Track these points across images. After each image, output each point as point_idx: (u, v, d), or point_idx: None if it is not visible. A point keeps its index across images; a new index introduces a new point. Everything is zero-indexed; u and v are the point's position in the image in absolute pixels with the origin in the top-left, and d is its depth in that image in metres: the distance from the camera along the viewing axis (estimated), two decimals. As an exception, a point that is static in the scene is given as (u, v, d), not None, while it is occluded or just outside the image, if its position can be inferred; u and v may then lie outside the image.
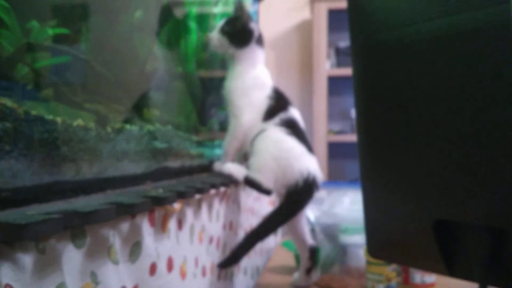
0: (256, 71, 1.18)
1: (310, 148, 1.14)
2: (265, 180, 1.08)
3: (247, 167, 1.11)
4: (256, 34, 1.19)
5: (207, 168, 1.21)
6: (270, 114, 1.13)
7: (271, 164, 1.08)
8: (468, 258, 0.60)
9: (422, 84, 0.59)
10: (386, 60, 0.65)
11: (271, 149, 1.09)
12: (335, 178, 2.56)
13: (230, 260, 1.03)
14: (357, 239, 1.16)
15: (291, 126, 1.12)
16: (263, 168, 1.08)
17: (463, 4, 0.53)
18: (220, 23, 1.21)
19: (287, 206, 1.09)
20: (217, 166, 1.16)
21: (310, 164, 1.10)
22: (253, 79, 1.17)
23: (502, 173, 0.52)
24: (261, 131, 1.12)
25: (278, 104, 1.15)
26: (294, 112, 1.16)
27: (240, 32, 1.18)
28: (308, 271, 1.15)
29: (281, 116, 1.13)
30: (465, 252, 0.60)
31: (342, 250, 1.18)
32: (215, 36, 1.20)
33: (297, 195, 1.07)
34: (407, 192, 0.65)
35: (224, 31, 1.18)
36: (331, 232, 1.19)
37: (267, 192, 1.09)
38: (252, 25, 1.18)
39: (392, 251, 0.73)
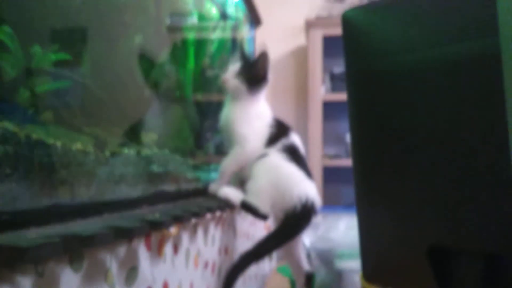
0: (259, 104, 1.21)
1: (309, 173, 1.15)
2: (262, 205, 1.08)
3: (244, 191, 1.12)
4: (268, 82, 1.21)
5: (202, 192, 1.21)
6: (272, 140, 1.15)
7: (269, 189, 1.09)
8: (462, 283, 0.60)
9: (416, 111, 0.60)
10: (380, 87, 0.66)
11: (270, 174, 1.10)
12: (330, 202, 2.56)
13: (226, 283, 1.03)
14: (353, 265, 1.16)
15: (292, 152, 1.14)
16: (261, 192, 1.09)
17: (456, 35, 0.55)
18: (231, 67, 1.19)
19: (284, 229, 1.09)
20: (212, 188, 1.15)
21: (309, 189, 1.10)
22: (256, 111, 1.19)
23: (495, 200, 0.53)
24: (262, 156, 1.13)
25: (279, 131, 1.17)
26: (295, 138, 1.18)
27: (259, 80, 1.19)
28: None
29: (283, 141, 1.15)
30: (459, 277, 0.61)
31: (338, 276, 1.17)
32: (231, 80, 1.17)
33: (295, 219, 1.08)
34: (401, 218, 0.65)
35: (242, 76, 1.17)
36: (326, 257, 1.18)
37: (263, 217, 1.09)
38: (267, 73, 1.20)
39: (387, 276, 0.73)
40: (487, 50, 0.51)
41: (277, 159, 1.12)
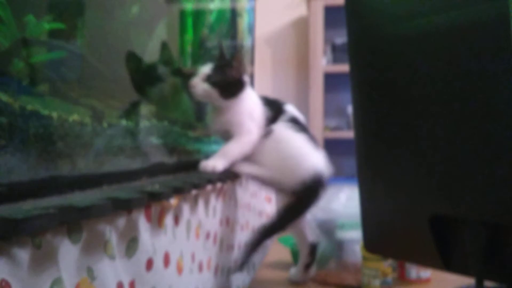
0: (248, 100, 1.12)
1: (316, 142, 1.14)
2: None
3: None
4: (245, 85, 1.10)
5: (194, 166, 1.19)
6: (271, 121, 1.12)
7: (280, 164, 1.08)
8: (464, 252, 0.60)
9: (419, 79, 0.59)
10: (383, 55, 0.65)
11: (278, 150, 1.08)
12: (332, 174, 2.56)
13: (243, 260, 1.05)
14: (353, 235, 1.16)
15: (294, 122, 1.12)
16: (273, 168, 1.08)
17: (461, 0, 0.53)
18: (203, 69, 1.08)
19: (297, 204, 1.09)
20: (209, 165, 1.06)
21: (318, 161, 1.10)
22: (248, 107, 1.12)
23: (497, 169, 0.52)
24: (268, 133, 1.10)
25: (274, 111, 1.13)
26: (291, 109, 1.15)
27: (234, 83, 1.07)
28: (307, 267, 1.16)
29: (282, 118, 1.12)
30: (461, 247, 0.61)
31: (338, 246, 1.18)
32: (199, 85, 1.05)
33: (306, 193, 1.08)
34: (403, 188, 0.65)
35: (214, 81, 1.05)
36: (327, 227, 1.19)
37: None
38: (241, 75, 1.09)
39: (388, 246, 0.73)
40: (494, 13, 0.49)
41: (286, 132, 1.10)
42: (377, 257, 1.04)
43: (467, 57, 0.53)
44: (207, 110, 1.17)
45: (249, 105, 1.12)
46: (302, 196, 1.08)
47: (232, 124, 1.10)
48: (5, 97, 0.53)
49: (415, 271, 1.19)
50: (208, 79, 1.05)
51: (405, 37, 0.61)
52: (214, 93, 1.05)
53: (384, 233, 0.72)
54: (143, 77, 0.98)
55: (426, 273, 1.19)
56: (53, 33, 0.72)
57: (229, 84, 1.07)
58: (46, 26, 0.69)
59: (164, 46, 1.10)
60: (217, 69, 1.07)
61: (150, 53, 1.05)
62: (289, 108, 1.15)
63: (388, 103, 0.65)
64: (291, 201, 1.09)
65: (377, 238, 0.73)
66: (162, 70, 1.10)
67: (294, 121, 1.13)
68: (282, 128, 1.10)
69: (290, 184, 1.08)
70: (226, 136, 1.13)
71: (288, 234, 1.24)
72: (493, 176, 0.53)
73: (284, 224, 1.11)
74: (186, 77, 1.23)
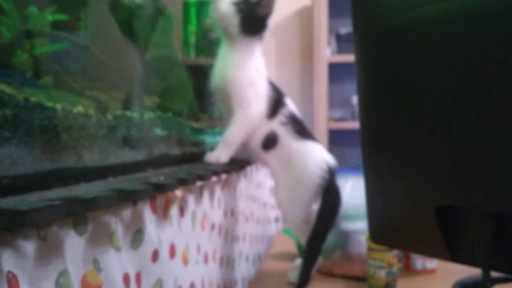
0: (256, 60, 1.10)
1: (312, 136, 1.13)
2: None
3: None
4: (266, 28, 1.09)
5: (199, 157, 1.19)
6: (272, 110, 1.09)
7: (300, 176, 1.09)
8: (471, 243, 0.60)
9: (425, 68, 0.58)
10: (389, 44, 0.64)
11: (295, 163, 1.09)
12: (336, 165, 2.56)
13: (303, 279, 1.06)
14: (359, 225, 1.16)
15: (293, 121, 1.11)
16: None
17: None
18: None
19: (329, 199, 1.09)
20: (213, 157, 1.07)
21: (325, 154, 1.10)
22: (256, 69, 1.09)
23: (504, 159, 0.52)
24: (269, 137, 1.09)
25: (277, 98, 1.11)
26: (290, 103, 1.13)
27: (256, 20, 1.05)
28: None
29: (283, 112, 1.10)
30: (468, 237, 0.60)
31: (344, 236, 1.18)
32: (225, 6, 1.03)
33: (330, 185, 1.09)
34: (409, 178, 0.64)
35: (239, 8, 1.03)
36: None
37: None
38: (267, 18, 1.08)
39: (394, 236, 0.72)
40: (501, 2, 0.48)
41: (292, 146, 1.09)
42: (382, 248, 1.03)
43: (473, 44, 0.52)
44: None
45: (255, 71, 1.09)
46: (328, 188, 1.08)
47: (233, 84, 1.06)
48: (9, 89, 0.53)
49: (420, 262, 1.19)
50: (236, 3, 1.04)
51: (412, 26, 0.60)
52: (235, 19, 1.03)
53: (389, 223, 0.72)
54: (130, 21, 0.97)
55: (432, 263, 1.19)
56: (56, 25, 0.72)
57: (253, 18, 1.05)
58: (49, 17, 0.69)
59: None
60: (249, 2, 1.05)
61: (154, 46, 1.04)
62: (288, 101, 1.14)
63: (394, 93, 0.64)
64: (322, 200, 1.08)
65: (383, 228, 0.73)
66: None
67: (292, 117, 1.11)
68: (288, 143, 1.10)
69: (315, 185, 1.08)
70: (224, 105, 1.10)
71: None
72: (501, 166, 0.52)
73: (331, 223, 1.09)
74: (191, 68, 1.23)
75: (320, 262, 1.16)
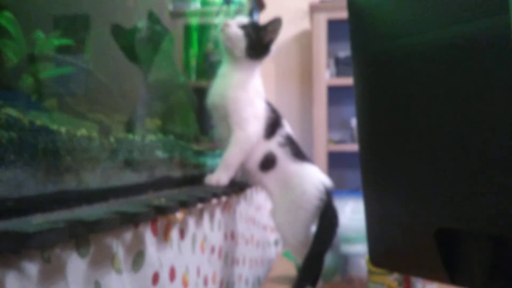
0: (256, 80, 1.12)
1: (308, 158, 1.14)
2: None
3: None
4: (270, 52, 1.12)
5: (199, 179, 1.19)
6: (270, 130, 1.10)
7: (298, 199, 1.10)
8: (470, 266, 0.60)
9: (423, 93, 0.60)
10: (387, 69, 0.65)
11: (293, 186, 1.10)
12: (336, 187, 2.56)
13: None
14: (359, 249, 1.16)
15: (290, 143, 1.12)
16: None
17: (462, 15, 0.54)
18: (240, 18, 1.10)
19: (326, 218, 1.09)
20: (213, 179, 1.07)
21: (321, 176, 1.11)
22: (255, 89, 1.11)
23: (503, 181, 0.52)
24: (271, 161, 1.10)
25: (274, 119, 1.12)
26: (286, 125, 1.15)
27: (261, 45, 1.09)
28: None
29: (280, 133, 1.11)
30: (467, 260, 0.60)
31: (344, 260, 1.17)
32: (234, 27, 1.07)
33: (327, 205, 1.09)
34: (408, 201, 0.65)
35: (247, 32, 1.07)
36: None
37: None
38: (272, 42, 1.11)
39: (394, 259, 0.73)
40: (497, 28, 0.50)
41: (289, 169, 1.10)
42: (382, 271, 1.03)
43: (468, 70, 0.54)
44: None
45: (254, 91, 1.11)
46: (325, 209, 1.09)
47: (232, 102, 1.08)
48: (15, 113, 0.54)
49: (421, 285, 1.18)
50: (244, 27, 1.07)
51: (408, 51, 0.61)
52: (242, 42, 1.07)
53: (389, 246, 0.72)
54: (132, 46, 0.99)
55: (432, 286, 1.18)
56: (61, 49, 0.73)
57: (258, 43, 1.08)
58: (55, 42, 0.70)
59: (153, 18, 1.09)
60: (253, 25, 1.09)
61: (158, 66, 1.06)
62: (285, 123, 1.15)
63: (393, 117, 0.65)
64: (319, 221, 1.09)
65: (383, 251, 0.73)
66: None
67: (289, 139, 1.12)
68: (286, 164, 1.11)
69: (313, 206, 1.08)
70: (223, 124, 1.11)
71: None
72: (500, 189, 0.53)
73: (328, 244, 1.09)
74: (192, 90, 1.24)
75: (320, 285, 1.16)
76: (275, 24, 1.10)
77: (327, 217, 1.09)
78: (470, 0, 0.53)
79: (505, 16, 0.46)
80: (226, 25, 1.07)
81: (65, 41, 0.73)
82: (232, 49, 1.08)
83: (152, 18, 1.08)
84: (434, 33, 0.57)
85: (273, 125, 1.11)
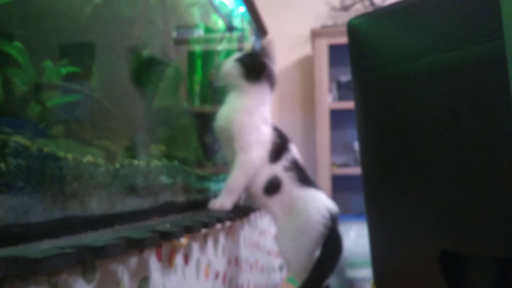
0: (264, 107, 1.15)
1: (314, 184, 1.14)
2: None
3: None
4: (268, 71, 1.15)
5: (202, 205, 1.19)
6: (276, 154, 1.11)
7: (303, 225, 1.09)
8: (476, 289, 0.60)
9: (424, 116, 0.60)
10: (387, 93, 0.66)
11: (299, 211, 1.09)
12: (340, 211, 2.55)
13: None
14: (364, 273, 1.15)
15: (296, 168, 1.12)
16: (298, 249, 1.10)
17: (461, 40, 0.55)
18: (237, 54, 1.18)
19: (330, 244, 1.08)
20: (217, 204, 1.07)
21: (326, 201, 1.11)
22: (262, 116, 1.13)
23: (507, 205, 0.53)
24: (272, 183, 1.11)
25: (281, 143, 1.13)
26: (294, 149, 1.15)
27: (254, 65, 1.14)
28: None
29: (286, 157, 1.12)
30: (471, 283, 0.60)
31: (349, 284, 1.16)
32: (228, 64, 1.15)
33: (332, 231, 1.08)
34: (412, 224, 0.65)
35: (241, 60, 1.14)
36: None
37: None
38: (267, 62, 1.15)
39: (398, 282, 0.72)
40: (492, 53, 0.51)
41: (294, 193, 1.10)
42: (388, 295, 1.02)
43: (468, 93, 0.55)
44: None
45: (260, 117, 1.13)
46: (330, 235, 1.08)
47: (237, 126, 1.10)
48: (23, 140, 0.55)
49: (427, 310, 1.17)
50: (237, 59, 1.14)
51: (407, 76, 0.62)
52: (238, 70, 1.13)
53: (394, 270, 0.72)
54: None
55: (439, 311, 1.17)
56: (68, 76, 0.75)
57: (254, 65, 1.14)
58: (63, 71, 0.72)
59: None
60: (248, 54, 1.17)
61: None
62: (293, 147, 1.16)
63: (394, 140, 0.66)
64: (322, 246, 1.08)
65: (387, 275, 0.73)
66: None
67: (295, 164, 1.13)
68: (291, 189, 1.11)
69: (317, 233, 1.08)
70: (228, 147, 1.12)
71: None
72: (503, 212, 0.53)
73: (329, 270, 1.08)
74: (196, 116, 1.26)
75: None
76: (264, 46, 1.17)
77: (331, 243, 1.08)
78: (467, 26, 0.54)
79: (500, 42, 0.48)
80: (222, 64, 1.16)
81: (72, 69, 0.75)
82: (230, 82, 1.15)
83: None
84: (431, 58, 0.58)
85: (278, 150, 1.12)
